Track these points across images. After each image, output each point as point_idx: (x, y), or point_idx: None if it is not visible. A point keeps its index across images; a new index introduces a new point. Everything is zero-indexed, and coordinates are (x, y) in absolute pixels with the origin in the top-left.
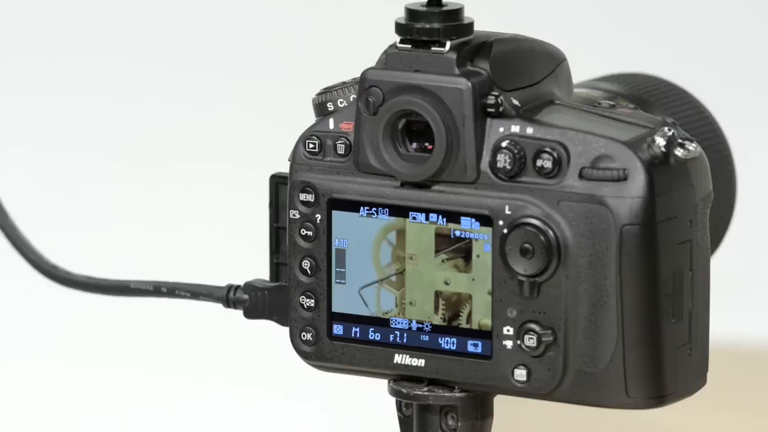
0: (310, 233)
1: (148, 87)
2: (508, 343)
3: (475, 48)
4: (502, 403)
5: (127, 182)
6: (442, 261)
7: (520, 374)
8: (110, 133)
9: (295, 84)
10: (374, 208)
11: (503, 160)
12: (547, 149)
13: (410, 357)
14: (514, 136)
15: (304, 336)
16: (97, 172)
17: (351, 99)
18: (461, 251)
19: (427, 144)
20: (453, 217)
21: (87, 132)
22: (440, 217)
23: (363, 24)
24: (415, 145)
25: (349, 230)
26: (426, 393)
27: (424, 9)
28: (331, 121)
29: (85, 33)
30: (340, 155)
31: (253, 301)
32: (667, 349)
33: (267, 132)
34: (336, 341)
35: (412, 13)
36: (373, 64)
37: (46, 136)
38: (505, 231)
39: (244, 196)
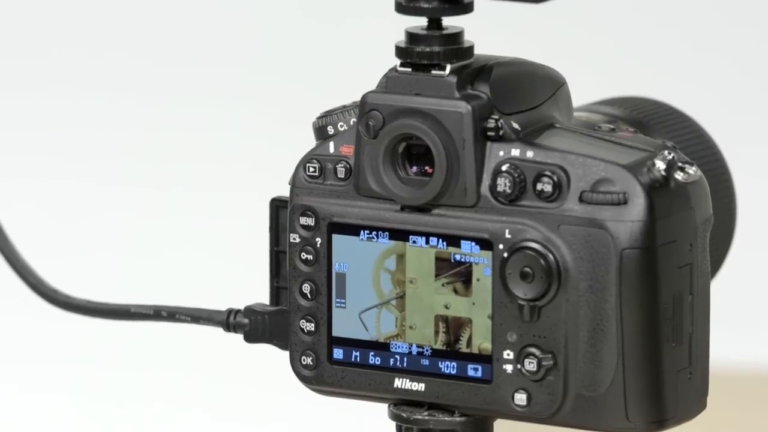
0: (310, 257)
1: (147, 112)
2: (509, 367)
3: (475, 71)
4: (502, 428)
5: (127, 207)
6: (443, 285)
7: (521, 398)
8: (110, 159)
9: (295, 107)
10: (374, 232)
11: (503, 184)
12: (547, 173)
13: (410, 381)
14: (514, 160)
15: (304, 360)
16: (97, 196)
17: (351, 122)
18: (461, 275)
19: (427, 167)
20: (453, 240)
21: (87, 158)
22: (440, 240)
23: (363, 47)
24: (415, 168)
25: (350, 254)
26: (426, 417)
27: (425, 32)
28: (332, 144)
29: (86, 58)
30: (340, 179)
31: (253, 325)
32: (667, 373)
33: (267, 155)
34: (336, 365)
35: (412, 37)
36: (373, 87)
37: (47, 161)
38: (506, 255)
39: (244, 220)
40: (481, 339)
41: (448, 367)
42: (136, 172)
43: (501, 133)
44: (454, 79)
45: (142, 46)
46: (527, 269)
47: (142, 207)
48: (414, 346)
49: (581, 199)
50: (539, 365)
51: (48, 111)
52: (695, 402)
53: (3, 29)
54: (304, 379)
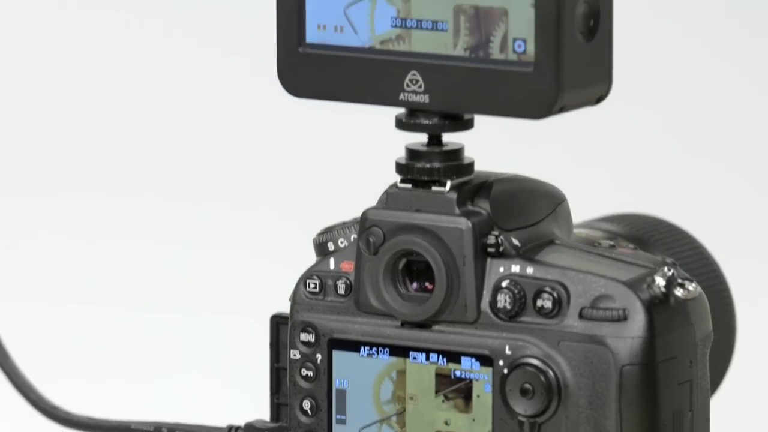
0: (310, 373)
1: (145, 227)
2: None
3: (476, 188)
4: None
5: (127, 326)
6: (443, 401)
7: None
8: (111, 279)
9: (295, 224)
10: (375, 348)
11: (503, 300)
12: (548, 289)
13: None
14: (514, 276)
15: None
16: (98, 317)
17: (351, 239)
18: (461, 391)
19: (427, 284)
20: (453, 357)
21: (85, 278)
22: (440, 357)
23: (363, 163)
24: (415, 284)
25: (350, 370)
26: None
27: (425, 149)
28: (332, 261)
29: (85, 175)
30: (340, 295)
31: None
32: None
33: (267, 272)
34: None
35: (412, 153)
36: (373, 203)
37: (47, 281)
38: (506, 371)
39: (245, 336)
40: None
41: None
42: (135, 289)
43: (501, 249)
44: (454, 196)
45: (141, 161)
46: (527, 385)
47: (142, 327)
48: None
49: (581, 316)
50: None
51: (49, 230)
52: None
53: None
54: None
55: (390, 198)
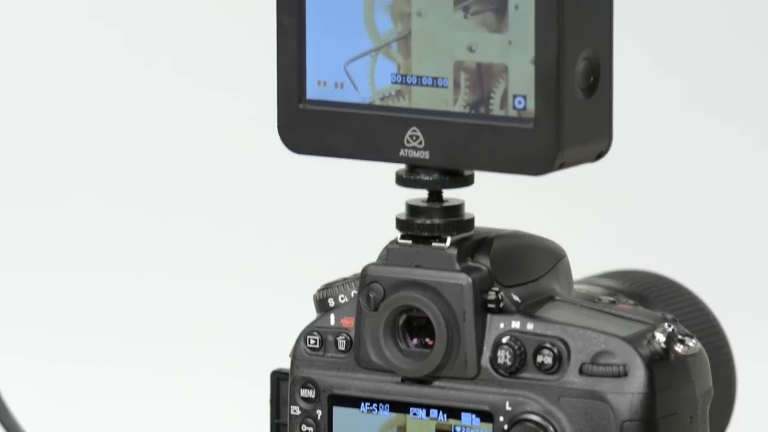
0: (311, 429)
1: (143, 288)
2: None
3: (476, 244)
4: None
5: (127, 385)
6: None
7: None
8: (110, 337)
9: (296, 280)
10: (375, 404)
11: (504, 356)
12: (548, 345)
13: None
14: (514, 332)
15: None
16: (98, 376)
17: (352, 295)
18: None
19: (427, 339)
20: (454, 413)
21: (88, 337)
22: (441, 413)
23: (363, 219)
24: (415, 340)
25: (350, 426)
26: None
27: (425, 205)
28: (332, 316)
29: (83, 227)
30: (341, 351)
31: None
32: None
33: (268, 328)
34: None
35: (412, 209)
36: (373, 259)
37: (47, 338)
38: (506, 427)
39: (245, 393)
40: None
41: None
42: (134, 347)
43: (501, 305)
44: (454, 252)
45: (138, 217)
46: None
47: (141, 381)
48: None
49: (581, 371)
50: None
51: (49, 288)
52: None
53: None
54: None
55: (390, 254)
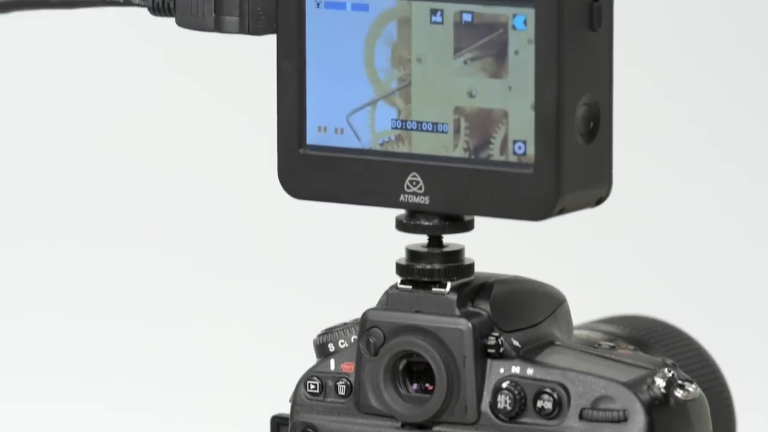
0: None
1: (143, 330)
2: None
3: (476, 289)
4: None
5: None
6: None
7: None
8: (112, 384)
9: (296, 325)
10: None
11: (504, 401)
12: (548, 390)
13: None
14: (514, 377)
15: None
16: (101, 424)
17: (352, 340)
18: None
19: (427, 384)
20: None
21: (91, 383)
22: None
23: (363, 264)
24: (415, 385)
25: None
26: None
27: (425, 250)
28: (332, 361)
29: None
30: (341, 396)
31: None
32: None
33: (268, 373)
34: None
35: (413, 254)
36: (373, 304)
37: (52, 383)
38: None
39: None
40: None
41: None
42: (136, 395)
43: (501, 350)
44: (454, 297)
45: (139, 268)
46: None
47: (143, 428)
48: None
49: (581, 417)
50: None
51: (57, 336)
52: None
53: None
54: None
55: (390, 299)
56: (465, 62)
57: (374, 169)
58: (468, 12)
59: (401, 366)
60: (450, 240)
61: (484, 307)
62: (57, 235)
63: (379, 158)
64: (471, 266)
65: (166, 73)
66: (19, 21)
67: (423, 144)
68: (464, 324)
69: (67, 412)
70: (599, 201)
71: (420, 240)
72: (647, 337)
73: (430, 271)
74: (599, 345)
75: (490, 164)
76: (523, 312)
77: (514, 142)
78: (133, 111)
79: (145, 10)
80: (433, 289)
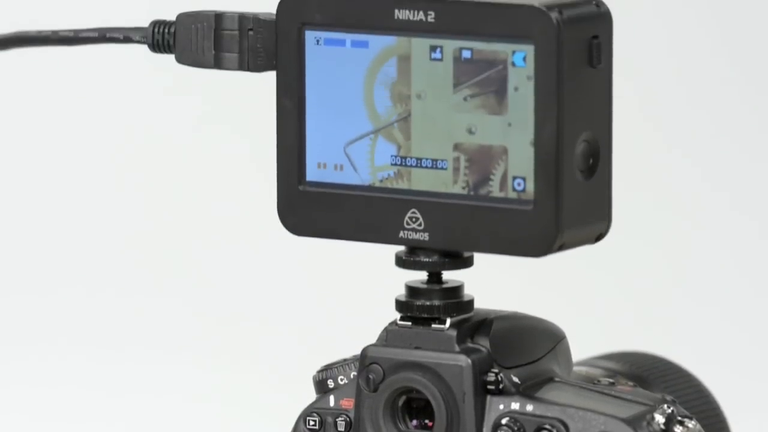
0: None
1: (143, 373)
2: None
3: (475, 325)
4: None
5: None
6: None
7: None
8: (110, 429)
9: (295, 361)
10: None
11: None
12: (547, 426)
13: None
14: (514, 413)
15: None
16: None
17: (351, 376)
18: None
19: (427, 421)
20: None
21: (89, 426)
22: None
23: (363, 301)
24: (415, 421)
25: None
26: None
27: (425, 286)
28: (332, 398)
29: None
30: None
31: None
32: None
33: (267, 408)
34: None
35: (412, 291)
36: (373, 340)
37: (48, 427)
38: None
39: None
40: None
41: None
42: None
43: (501, 386)
44: (454, 333)
45: (134, 310)
46: None
47: None
48: None
49: None
50: None
51: (49, 379)
52: None
53: None
54: None
55: (390, 335)
56: (465, 99)
57: (374, 205)
58: (467, 48)
59: (401, 402)
60: (449, 276)
61: (483, 344)
62: (52, 281)
63: (379, 195)
64: (470, 302)
65: (165, 110)
66: (18, 58)
67: (422, 180)
68: (464, 360)
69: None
70: (599, 237)
71: (419, 276)
72: (647, 374)
73: (429, 307)
74: (599, 381)
75: (490, 201)
76: (522, 348)
77: (514, 178)
78: (131, 147)
79: (145, 47)
80: (433, 326)
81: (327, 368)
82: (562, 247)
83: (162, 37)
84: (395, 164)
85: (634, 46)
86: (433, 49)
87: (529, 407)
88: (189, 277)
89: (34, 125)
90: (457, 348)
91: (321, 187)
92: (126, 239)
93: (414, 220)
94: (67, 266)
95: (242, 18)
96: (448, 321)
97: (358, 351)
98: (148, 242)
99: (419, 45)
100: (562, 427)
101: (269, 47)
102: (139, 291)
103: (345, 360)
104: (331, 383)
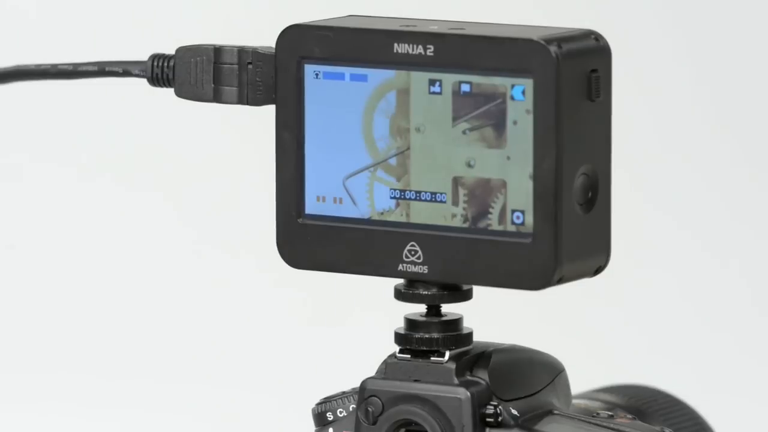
0: None
1: (141, 394)
2: None
3: (474, 358)
4: None
5: None
6: None
7: None
8: None
9: (294, 393)
10: None
11: None
12: None
13: None
14: None
15: None
16: None
17: (350, 409)
18: None
19: None
20: None
21: None
22: None
23: (362, 333)
24: None
25: None
26: None
27: (424, 319)
28: (331, 430)
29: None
30: None
31: None
32: None
33: None
34: None
35: (411, 323)
36: (372, 373)
37: None
38: None
39: None
40: None
41: None
42: None
43: (500, 419)
44: (453, 366)
45: (135, 343)
46: None
47: None
48: None
49: None
50: None
51: (49, 412)
52: None
53: None
54: None
55: (389, 368)
56: (464, 132)
57: (373, 238)
58: (467, 82)
59: None
60: (448, 309)
61: (482, 376)
62: (45, 300)
63: (378, 228)
64: (469, 335)
65: (164, 144)
66: (17, 91)
67: (421, 213)
68: (463, 393)
69: None
70: (598, 270)
71: (418, 309)
72: (646, 406)
73: (428, 340)
74: (598, 414)
75: (489, 234)
76: (521, 381)
77: (513, 211)
78: (129, 180)
79: (144, 81)
80: (432, 358)
81: (326, 401)
82: (561, 280)
83: (161, 71)
84: (394, 197)
85: (633, 79)
86: (432, 82)
87: None
88: (186, 309)
89: (32, 157)
90: (456, 381)
91: (320, 220)
92: (122, 265)
93: (413, 253)
94: (62, 290)
95: (241, 52)
96: (447, 354)
97: (357, 384)
98: (144, 276)
99: (418, 79)
100: None
101: (268, 81)
102: (136, 319)
103: (344, 393)
104: (330, 416)
